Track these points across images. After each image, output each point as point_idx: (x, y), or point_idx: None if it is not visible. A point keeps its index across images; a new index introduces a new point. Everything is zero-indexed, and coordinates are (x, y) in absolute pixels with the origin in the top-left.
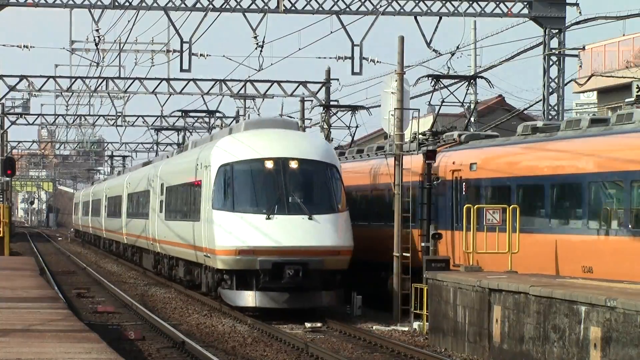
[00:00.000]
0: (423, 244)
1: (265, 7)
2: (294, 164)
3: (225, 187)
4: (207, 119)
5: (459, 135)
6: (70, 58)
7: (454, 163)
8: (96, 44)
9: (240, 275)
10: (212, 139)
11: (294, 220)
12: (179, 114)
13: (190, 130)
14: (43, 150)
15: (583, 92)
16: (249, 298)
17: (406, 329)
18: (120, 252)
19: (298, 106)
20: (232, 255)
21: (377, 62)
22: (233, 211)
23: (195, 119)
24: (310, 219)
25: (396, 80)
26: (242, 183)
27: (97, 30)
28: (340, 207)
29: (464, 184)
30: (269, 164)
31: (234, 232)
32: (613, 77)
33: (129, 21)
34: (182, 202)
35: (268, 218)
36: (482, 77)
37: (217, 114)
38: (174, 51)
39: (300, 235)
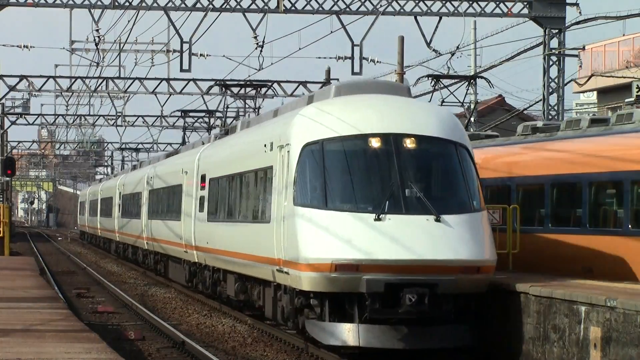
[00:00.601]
0: None
1: (265, 7)
2: (410, 143)
3: (314, 175)
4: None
5: None
6: (70, 58)
7: None
8: (96, 44)
9: (335, 301)
10: (275, 114)
11: (415, 223)
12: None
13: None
14: (43, 150)
15: (583, 92)
16: (348, 334)
17: None
18: (139, 259)
19: None
20: (326, 271)
21: (377, 62)
22: (326, 208)
23: (236, 95)
24: (437, 220)
25: (396, 80)
26: (338, 169)
27: (97, 30)
28: (476, 204)
29: None
30: (376, 143)
31: (328, 239)
32: (613, 77)
33: (129, 21)
34: (237, 197)
35: (377, 219)
36: (482, 77)
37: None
38: (174, 51)
39: (424, 243)
